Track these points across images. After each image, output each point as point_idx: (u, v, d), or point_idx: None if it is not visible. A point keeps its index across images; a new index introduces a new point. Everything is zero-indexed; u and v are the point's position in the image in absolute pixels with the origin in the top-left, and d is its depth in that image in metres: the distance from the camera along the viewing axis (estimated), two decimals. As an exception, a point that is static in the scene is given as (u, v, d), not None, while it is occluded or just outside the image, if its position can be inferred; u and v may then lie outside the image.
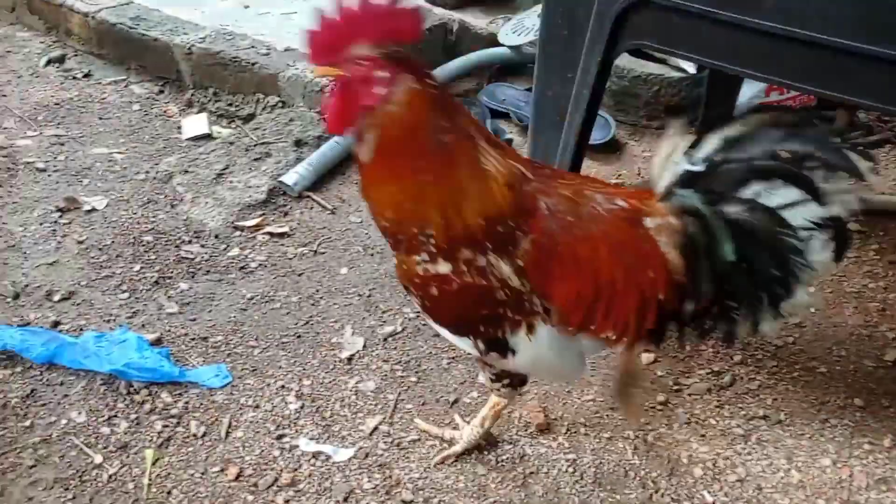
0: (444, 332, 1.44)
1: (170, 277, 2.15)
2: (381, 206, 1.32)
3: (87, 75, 3.07)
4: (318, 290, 2.17)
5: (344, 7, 1.21)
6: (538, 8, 3.22)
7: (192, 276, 2.18)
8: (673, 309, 1.33)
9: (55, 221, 2.32)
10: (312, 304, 2.12)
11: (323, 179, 2.58)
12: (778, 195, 1.26)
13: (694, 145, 1.29)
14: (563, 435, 1.75)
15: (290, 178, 2.52)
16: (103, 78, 3.06)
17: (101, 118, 2.84)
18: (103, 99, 2.95)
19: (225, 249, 2.28)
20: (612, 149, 2.79)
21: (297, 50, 3.02)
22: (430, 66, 1.30)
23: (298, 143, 2.66)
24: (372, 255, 2.30)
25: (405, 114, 1.24)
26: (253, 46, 3.02)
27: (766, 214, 1.26)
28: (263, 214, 2.41)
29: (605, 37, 1.94)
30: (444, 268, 1.30)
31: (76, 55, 3.17)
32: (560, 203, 1.32)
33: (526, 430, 1.76)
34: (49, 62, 3.10)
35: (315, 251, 2.32)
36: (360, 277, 2.22)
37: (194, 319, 2.01)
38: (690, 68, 2.87)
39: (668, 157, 1.32)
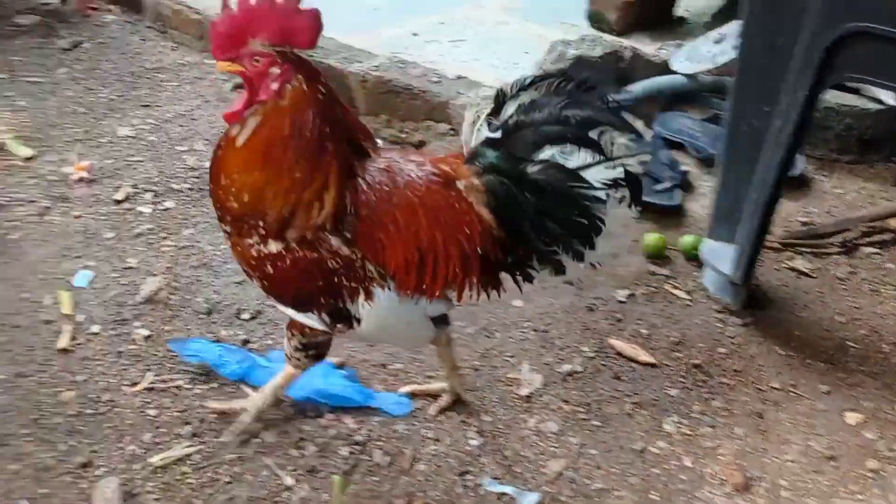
0: (290, 312, 1.51)
1: (349, 302, 2.20)
2: (238, 189, 1.38)
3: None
4: (491, 322, 2.14)
5: (245, 2, 1.29)
6: (713, 34, 3.10)
7: (370, 302, 2.21)
8: (497, 259, 1.47)
9: (242, 242, 2.42)
10: (487, 337, 2.10)
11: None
12: (573, 157, 1.39)
13: (494, 112, 1.42)
14: (763, 496, 1.63)
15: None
16: (282, 103, 3.19)
17: (281, 141, 2.95)
18: (282, 123, 3.07)
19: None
20: (799, 184, 2.63)
21: (466, 78, 3.05)
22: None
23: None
24: (545, 287, 2.26)
25: (293, 112, 1.35)
26: (424, 74, 3.06)
27: (562, 171, 1.39)
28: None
29: (813, 69, 1.82)
30: (274, 247, 1.40)
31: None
32: (377, 175, 1.43)
33: (721, 489, 1.65)
34: (235, 87, 3.27)
35: (488, 282, 2.30)
36: (535, 311, 2.18)
37: (374, 346, 2.03)
38: (890, 100, 2.66)
39: (472, 125, 1.54)
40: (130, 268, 2.27)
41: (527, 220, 1.42)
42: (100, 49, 3.51)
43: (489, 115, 1.44)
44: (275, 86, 1.34)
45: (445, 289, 1.47)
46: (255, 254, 1.42)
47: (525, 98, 1.41)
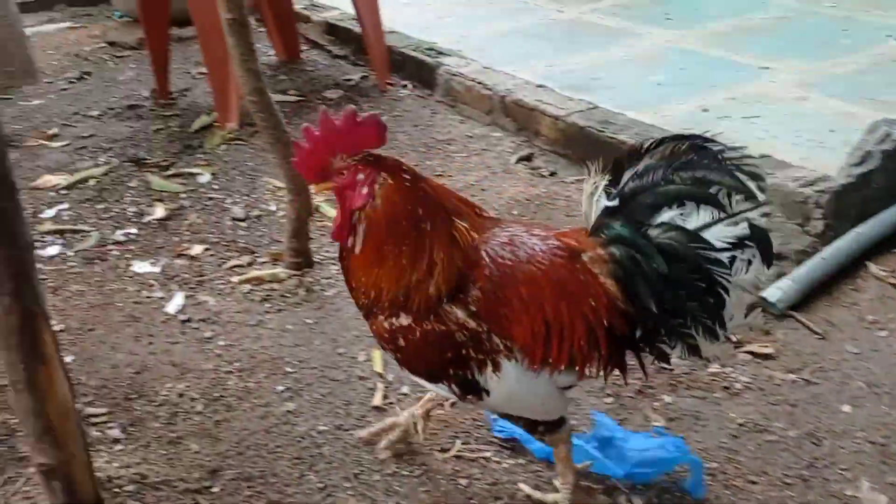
0: (423, 383, 1.56)
1: (652, 388, 2.09)
2: (366, 288, 1.48)
3: (552, 174, 3.24)
4: (817, 428, 1.93)
5: (313, 133, 1.45)
6: None
7: (674, 390, 2.09)
8: (623, 334, 1.45)
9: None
10: (814, 444, 1.89)
11: (808, 299, 2.36)
12: (693, 218, 1.38)
13: (613, 182, 1.43)
14: None
15: (772, 294, 2.34)
16: (567, 176, 3.21)
17: (567, 214, 2.95)
18: (567, 196, 3.08)
19: (704, 364, 2.16)
20: None
21: (770, 157, 2.87)
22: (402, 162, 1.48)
23: (778, 257, 2.48)
24: (878, 394, 2.01)
25: (387, 206, 1.43)
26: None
27: (682, 233, 1.38)
28: (743, 331, 2.26)
29: None
30: (405, 320, 1.45)
31: (543, 154, 3.38)
32: (499, 249, 1.47)
33: None
34: (519, 160, 3.35)
35: (807, 380, 2.09)
36: (868, 420, 1.94)
37: (683, 437, 1.90)
38: None
39: (590, 196, 1.45)
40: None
41: (650, 288, 1.40)
42: (396, 121, 3.77)
43: (607, 184, 1.45)
44: (365, 190, 1.44)
45: (572, 363, 1.46)
46: (387, 326, 1.48)
47: (640, 164, 1.42)
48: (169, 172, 3.35)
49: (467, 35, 4.49)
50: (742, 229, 1.37)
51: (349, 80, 4.28)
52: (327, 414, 2.02)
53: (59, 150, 3.59)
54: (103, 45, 5.08)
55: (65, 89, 4.35)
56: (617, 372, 1.51)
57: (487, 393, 1.50)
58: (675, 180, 1.38)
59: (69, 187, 3.22)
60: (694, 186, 1.37)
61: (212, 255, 2.75)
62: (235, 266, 2.69)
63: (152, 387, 2.13)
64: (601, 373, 1.49)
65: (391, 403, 2.06)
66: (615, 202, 1.43)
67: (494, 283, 1.45)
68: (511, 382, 1.47)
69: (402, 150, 3.48)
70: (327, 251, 2.75)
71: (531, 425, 1.61)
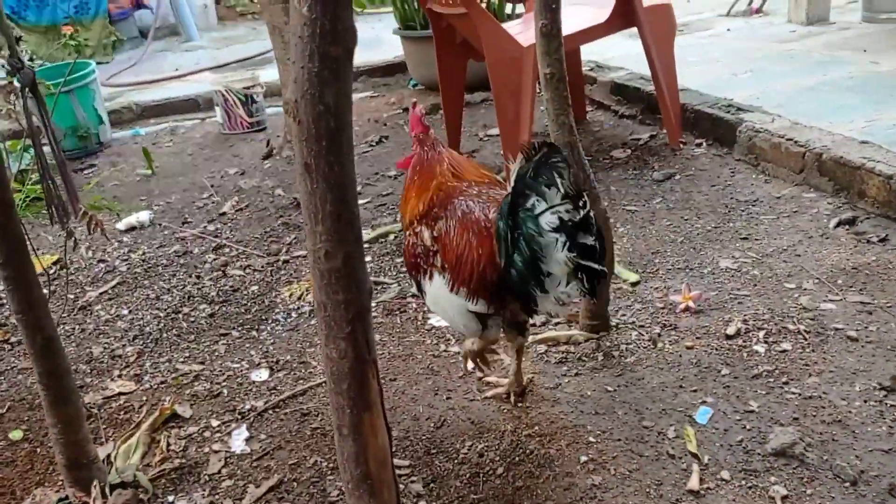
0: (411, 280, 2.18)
1: None
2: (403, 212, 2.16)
3: (883, 240, 2.82)
4: None
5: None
6: None
7: None
8: (493, 282, 1.92)
9: (880, 401, 2.06)
10: None
11: None
12: (541, 206, 1.78)
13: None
14: None
15: None
16: (902, 243, 2.78)
17: (903, 287, 2.54)
18: (904, 266, 2.65)
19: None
20: None
21: None
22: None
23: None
24: None
25: (415, 162, 2.14)
26: None
27: (532, 219, 1.79)
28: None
29: None
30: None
31: (869, 217, 2.97)
32: (468, 201, 2.02)
33: None
34: (839, 224, 2.97)
35: None
36: None
37: None
38: None
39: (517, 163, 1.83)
40: (752, 411, 2.07)
41: (506, 252, 1.85)
42: (691, 181, 3.56)
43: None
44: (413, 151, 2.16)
45: (476, 291, 1.95)
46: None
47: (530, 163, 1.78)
48: (461, 229, 3.42)
49: (766, 91, 4.18)
50: (555, 220, 1.76)
51: (637, 139, 4.15)
52: (637, 493, 1.84)
53: (363, 207, 3.84)
54: (399, 111, 5.46)
55: (366, 152, 4.70)
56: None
57: (424, 293, 2.10)
58: (537, 179, 1.76)
59: (371, 241, 3.40)
60: (542, 185, 1.76)
61: (505, 313, 2.72)
62: (530, 325, 2.62)
63: (452, 443, 2.10)
64: (491, 308, 1.97)
65: (709, 489, 1.83)
66: (522, 171, 1.79)
67: (452, 222, 2.00)
68: (436, 291, 2.03)
69: (700, 210, 3.25)
70: (624, 314, 2.60)
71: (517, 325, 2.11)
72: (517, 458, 2.00)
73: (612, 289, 2.66)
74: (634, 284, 2.78)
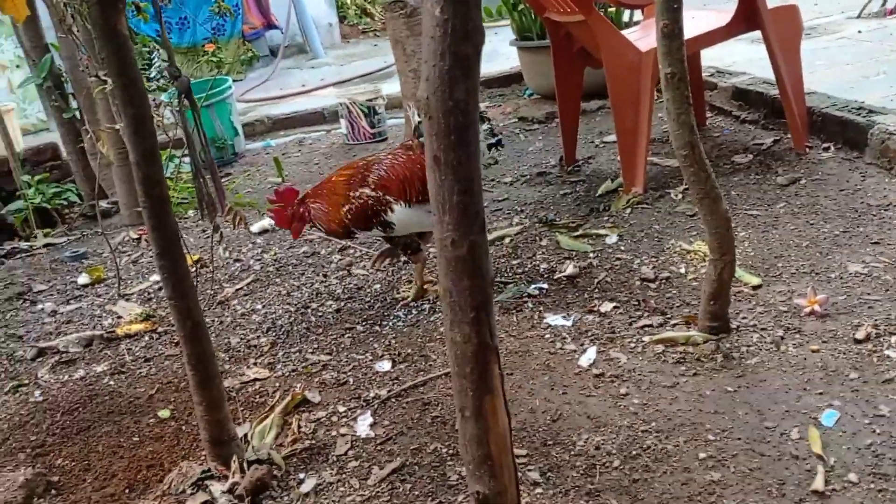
0: (369, 234, 3.03)
1: None
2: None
3: None
4: None
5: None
6: None
7: None
8: None
9: None
10: None
11: None
12: None
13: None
14: None
15: None
16: None
17: None
18: None
19: None
20: None
21: None
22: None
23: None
24: None
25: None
26: None
27: None
28: None
29: None
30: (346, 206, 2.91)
31: None
32: (381, 165, 2.95)
33: None
34: (983, 228, 2.81)
35: None
36: None
37: None
38: None
39: (410, 120, 3.18)
40: (882, 416, 2.01)
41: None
42: (817, 185, 3.45)
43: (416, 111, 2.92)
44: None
45: (422, 199, 2.85)
46: (344, 213, 2.93)
47: None
48: (577, 233, 3.45)
49: (902, 92, 3.99)
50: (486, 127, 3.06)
51: (760, 144, 4.05)
52: (757, 490, 1.83)
53: (480, 211, 3.93)
54: (515, 120, 5.54)
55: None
56: None
57: (394, 225, 2.90)
58: None
59: (490, 243, 3.48)
60: None
61: (621, 314, 2.74)
62: (646, 326, 2.63)
63: (568, 436, 2.14)
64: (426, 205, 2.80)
65: (834, 490, 1.79)
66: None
67: (382, 173, 2.91)
68: (401, 216, 2.89)
69: (827, 215, 3.15)
70: (745, 317, 2.56)
71: (413, 248, 3.05)
72: (634, 452, 2.02)
73: (733, 292, 2.62)
74: (756, 288, 2.74)
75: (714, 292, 2.43)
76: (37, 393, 2.85)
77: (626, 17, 5.61)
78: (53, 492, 2.26)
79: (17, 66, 7.61)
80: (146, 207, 2.07)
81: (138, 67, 2.04)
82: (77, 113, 4.91)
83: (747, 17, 3.75)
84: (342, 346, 2.84)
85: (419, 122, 2.87)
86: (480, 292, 1.57)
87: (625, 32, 4.08)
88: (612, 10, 5.36)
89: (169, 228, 2.12)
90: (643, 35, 4.03)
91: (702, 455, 1.97)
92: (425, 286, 3.13)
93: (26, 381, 2.95)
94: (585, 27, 3.79)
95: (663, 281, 2.91)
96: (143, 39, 4.77)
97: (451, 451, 2.15)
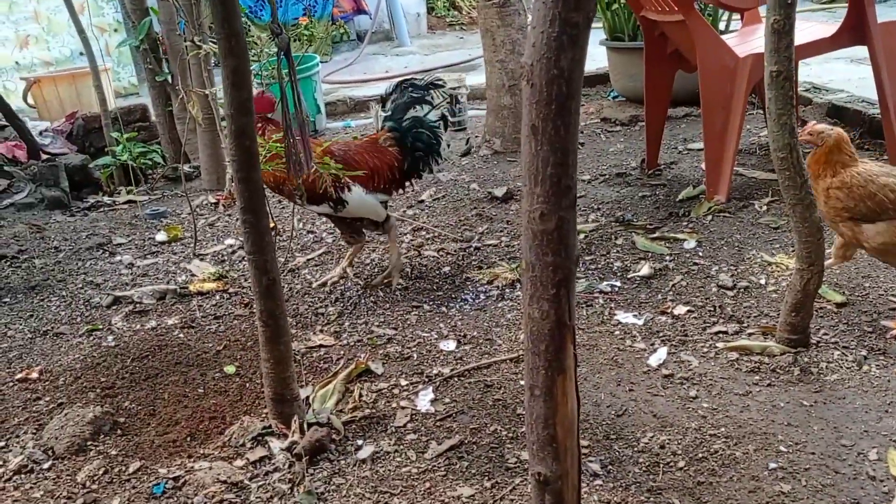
0: (316, 209, 3.06)
1: None
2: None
3: None
4: None
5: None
6: None
7: None
8: (401, 170, 3.11)
9: None
10: None
11: None
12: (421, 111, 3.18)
13: (382, 106, 3.26)
14: None
15: None
16: None
17: None
18: None
19: None
20: None
21: None
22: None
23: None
24: None
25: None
26: None
27: (416, 119, 3.16)
28: None
29: None
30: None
31: None
32: (343, 147, 3.07)
33: None
34: None
35: None
36: None
37: None
38: None
39: (376, 114, 3.44)
40: (971, 448, 1.90)
41: (410, 142, 3.13)
42: (913, 209, 3.29)
43: (380, 108, 3.28)
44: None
45: (382, 188, 3.07)
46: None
47: (393, 95, 3.21)
48: (654, 235, 3.38)
49: None
50: (439, 113, 3.22)
51: (854, 163, 3.89)
52: (832, 508, 1.75)
53: (555, 205, 3.89)
54: (598, 121, 5.47)
55: (561, 156, 4.74)
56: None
57: (346, 204, 2.98)
58: (407, 98, 3.18)
59: (562, 238, 3.44)
60: (413, 99, 3.17)
61: (696, 318, 2.66)
62: (720, 332, 2.55)
63: (632, 432, 2.09)
64: (396, 191, 3.19)
65: (914, 518, 1.70)
66: (388, 113, 3.18)
67: (344, 156, 3.00)
68: (357, 198, 2.99)
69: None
70: (826, 334, 2.46)
71: (377, 225, 3.14)
72: (700, 455, 1.96)
73: (816, 307, 2.53)
74: (840, 305, 2.63)
75: (797, 303, 2.34)
76: (109, 338, 2.94)
77: (721, 24, 5.48)
78: (119, 431, 2.32)
79: (115, 30, 7.89)
80: (236, 160, 2.10)
81: (242, 22, 2.08)
82: (169, 77, 5.04)
83: (854, 30, 3.61)
84: (408, 322, 2.84)
85: (385, 117, 3.19)
86: (564, 269, 1.54)
87: (723, 37, 3.97)
88: (710, 13, 5.24)
89: (255, 183, 2.15)
90: (741, 41, 3.92)
91: (772, 465, 1.90)
92: (347, 271, 3.25)
93: (100, 327, 3.04)
94: (682, 28, 3.70)
95: (741, 290, 2.82)
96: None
97: (510, 435, 2.13)
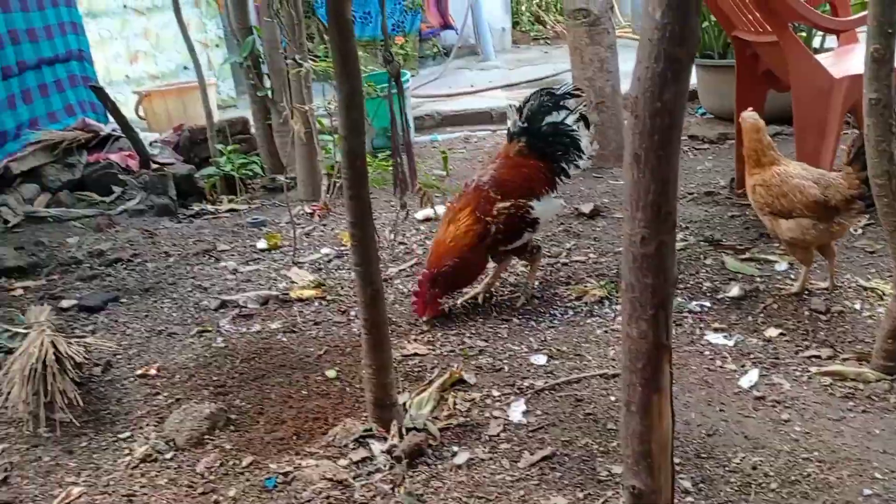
0: (518, 242, 3.15)
1: None
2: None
3: None
4: None
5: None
6: None
7: None
8: (550, 172, 3.24)
9: None
10: None
11: None
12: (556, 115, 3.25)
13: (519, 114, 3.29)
14: None
15: None
16: None
17: None
18: None
19: None
20: None
21: None
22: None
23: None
24: None
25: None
26: None
27: (552, 124, 3.23)
28: None
29: None
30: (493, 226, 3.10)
31: None
32: (489, 179, 3.19)
33: None
34: None
35: None
36: None
37: None
38: None
39: (513, 122, 3.28)
40: None
41: (544, 146, 3.23)
42: None
43: (517, 117, 3.29)
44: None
45: (545, 190, 3.22)
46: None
47: (526, 105, 3.27)
48: (744, 256, 3.39)
49: None
50: (575, 116, 3.25)
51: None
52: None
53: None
54: (685, 138, 5.46)
55: (648, 174, 4.77)
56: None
57: (538, 220, 3.14)
58: (544, 105, 3.24)
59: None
60: (550, 105, 3.23)
61: (787, 341, 2.67)
62: (813, 356, 2.56)
63: (723, 451, 2.13)
64: (552, 191, 3.25)
65: None
66: (524, 124, 3.24)
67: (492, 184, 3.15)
68: (540, 206, 3.14)
69: None
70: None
71: (529, 250, 3.25)
72: (793, 478, 1.99)
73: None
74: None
75: (894, 330, 2.33)
76: (219, 339, 3.14)
77: (815, 43, 5.39)
78: (232, 427, 2.49)
79: (217, 46, 8.30)
80: (347, 178, 2.25)
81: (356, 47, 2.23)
82: (269, 92, 5.30)
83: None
84: (499, 335, 2.94)
85: (520, 127, 3.24)
86: (662, 292, 1.61)
87: (817, 57, 3.94)
88: (804, 33, 5.17)
89: (364, 200, 2.29)
90: (836, 62, 3.88)
91: (866, 492, 1.91)
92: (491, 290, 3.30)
93: (210, 328, 3.25)
94: (775, 48, 3.70)
95: (835, 314, 2.81)
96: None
97: (601, 448, 2.19)
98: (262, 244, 4.25)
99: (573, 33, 5.06)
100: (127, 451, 2.40)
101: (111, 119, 5.42)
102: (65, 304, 3.57)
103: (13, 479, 2.32)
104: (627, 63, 5.17)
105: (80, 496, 2.20)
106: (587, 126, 3.28)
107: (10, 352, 3.05)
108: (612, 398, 2.43)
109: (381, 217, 4.32)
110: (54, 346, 2.65)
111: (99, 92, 4.94)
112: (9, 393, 2.62)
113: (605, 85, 5.06)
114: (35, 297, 3.65)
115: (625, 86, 5.20)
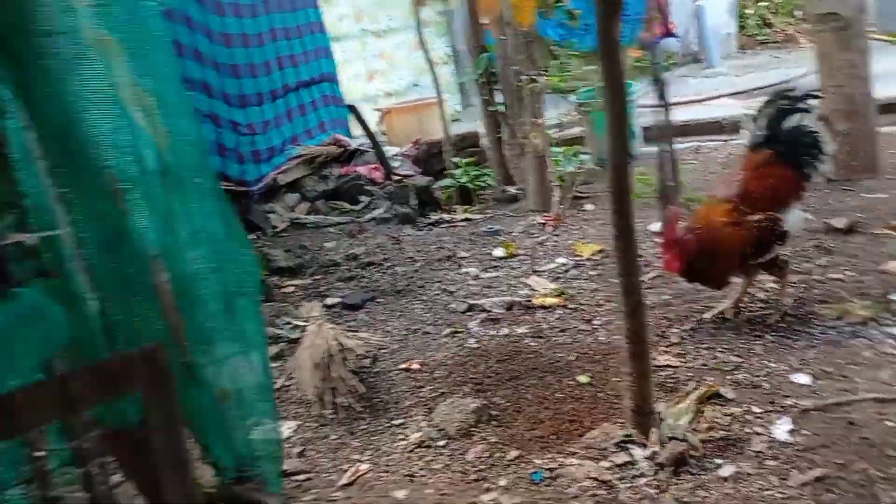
0: (768, 256, 3.08)
1: None
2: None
3: None
4: None
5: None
6: None
7: None
8: (798, 180, 3.16)
9: None
10: None
11: None
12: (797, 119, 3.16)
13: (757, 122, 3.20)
14: None
15: None
16: None
17: None
18: None
19: None
20: None
21: None
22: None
23: None
24: None
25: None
26: None
27: (797, 127, 3.15)
28: None
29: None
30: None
31: None
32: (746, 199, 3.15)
33: None
34: None
35: None
36: None
37: None
38: None
39: (752, 132, 3.21)
40: None
41: (790, 152, 3.13)
42: None
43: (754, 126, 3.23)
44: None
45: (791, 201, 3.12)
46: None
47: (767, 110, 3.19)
48: None
49: None
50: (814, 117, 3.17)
51: None
52: None
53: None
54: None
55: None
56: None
57: (787, 233, 3.07)
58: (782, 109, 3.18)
59: None
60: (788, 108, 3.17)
61: None
62: None
63: None
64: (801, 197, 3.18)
65: None
66: (765, 132, 3.19)
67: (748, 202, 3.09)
68: (790, 220, 3.08)
69: None
70: None
71: (778, 264, 3.14)
72: None
73: None
74: None
75: None
76: (471, 340, 3.35)
77: None
78: (494, 422, 2.66)
79: (444, 63, 8.75)
80: (612, 193, 2.35)
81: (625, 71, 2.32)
82: (501, 107, 5.53)
83: None
84: (752, 352, 2.89)
85: (750, 136, 3.21)
86: None
87: None
88: None
89: (627, 214, 2.38)
90: None
91: None
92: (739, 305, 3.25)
93: (461, 330, 3.47)
94: None
95: None
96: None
97: (882, 475, 2.11)
98: (498, 252, 4.45)
99: (820, 38, 4.82)
100: (402, 437, 2.64)
101: (353, 134, 5.93)
102: (329, 301, 3.98)
103: (308, 452, 2.65)
104: (874, 66, 4.83)
105: (367, 472, 2.47)
106: (828, 127, 3.16)
107: (291, 341, 3.46)
108: (890, 423, 2.32)
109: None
110: (337, 339, 2.98)
111: (354, 111, 5.41)
112: (298, 377, 2.99)
113: (855, 92, 4.77)
114: (304, 294, 4.10)
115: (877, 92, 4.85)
